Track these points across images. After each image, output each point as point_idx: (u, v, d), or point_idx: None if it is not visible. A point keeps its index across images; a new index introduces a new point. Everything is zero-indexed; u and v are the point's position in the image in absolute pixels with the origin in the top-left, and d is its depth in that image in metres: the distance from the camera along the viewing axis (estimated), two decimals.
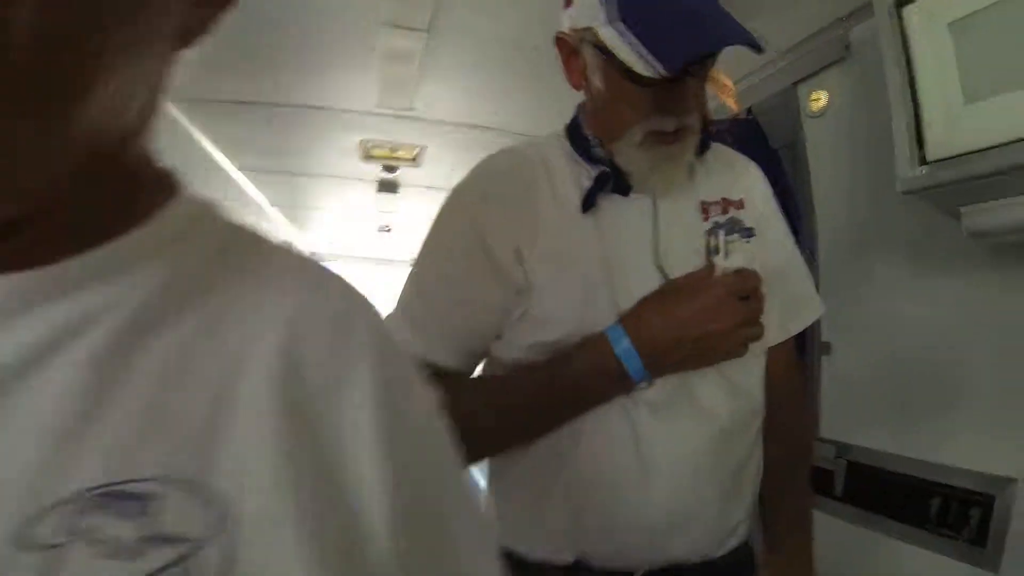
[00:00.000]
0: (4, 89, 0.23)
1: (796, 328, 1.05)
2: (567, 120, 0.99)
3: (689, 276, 0.86)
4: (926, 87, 1.22)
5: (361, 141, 3.16)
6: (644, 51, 0.73)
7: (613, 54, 0.77)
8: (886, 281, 1.63)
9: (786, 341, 1.04)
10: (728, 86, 1.94)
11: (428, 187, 3.53)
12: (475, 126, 2.84)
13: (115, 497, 0.26)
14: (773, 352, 1.01)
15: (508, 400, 0.90)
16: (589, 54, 0.85)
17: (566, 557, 0.87)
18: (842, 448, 1.70)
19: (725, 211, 0.94)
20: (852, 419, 1.71)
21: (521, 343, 0.90)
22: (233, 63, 2.25)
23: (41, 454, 0.26)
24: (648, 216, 0.91)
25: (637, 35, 0.74)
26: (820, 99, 1.78)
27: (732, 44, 0.75)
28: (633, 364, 0.81)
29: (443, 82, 2.46)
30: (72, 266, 0.29)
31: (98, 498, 0.26)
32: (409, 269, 0.97)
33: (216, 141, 3.25)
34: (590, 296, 0.88)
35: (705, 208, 0.94)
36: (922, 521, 1.47)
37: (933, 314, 1.52)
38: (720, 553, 0.90)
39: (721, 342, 0.83)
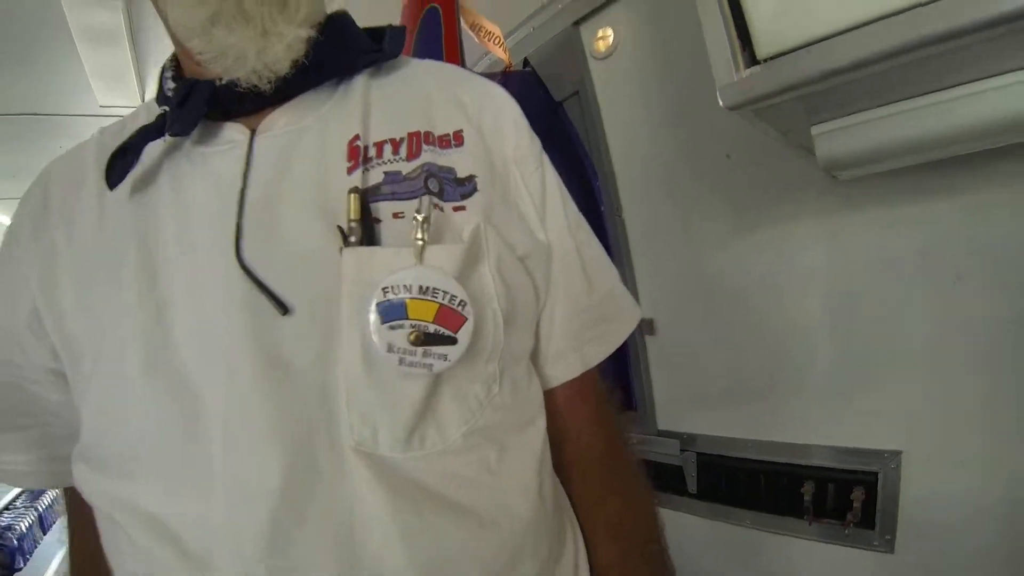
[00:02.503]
0: None
1: (600, 354, 0.67)
2: None
3: None
4: None
5: None
6: None
7: None
8: (708, 238, 1.39)
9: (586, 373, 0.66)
10: (495, 33, 1.64)
11: None
12: None
13: None
14: (563, 394, 0.65)
15: None
16: None
17: None
18: (686, 440, 1.46)
19: (412, 153, 0.55)
20: (691, 405, 1.47)
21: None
22: None
23: None
24: (236, 171, 0.53)
25: None
26: (606, 37, 1.53)
27: None
28: None
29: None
30: None
31: None
32: None
33: None
34: (125, 354, 0.50)
35: (357, 149, 0.54)
36: (797, 510, 1.28)
37: (770, 272, 1.30)
38: None
39: None
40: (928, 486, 1.13)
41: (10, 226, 0.60)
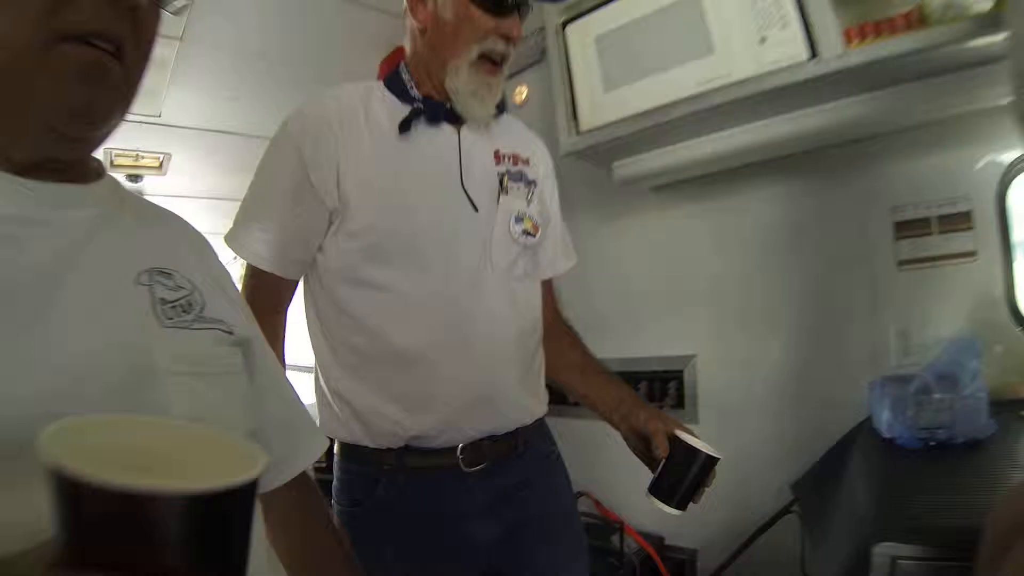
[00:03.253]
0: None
1: (563, 268, 1.35)
2: None
3: None
4: (579, 81, 1.75)
5: (104, 150, 2.91)
6: None
7: None
8: (585, 232, 2.07)
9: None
10: None
11: (174, 196, 3.43)
12: (219, 131, 2.89)
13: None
14: (545, 283, 1.28)
15: None
16: None
17: (399, 441, 1.06)
18: None
19: (516, 163, 1.18)
20: None
21: (337, 252, 1.07)
22: None
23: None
24: (454, 146, 1.11)
25: None
26: (523, 92, 2.25)
27: None
28: None
29: (191, 89, 2.50)
30: (97, 186, 0.60)
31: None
32: None
33: None
34: (399, 205, 1.05)
35: (498, 155, 1.16)
36: None
37: (609, 252, 2.07)
38: (526, 423, 1.16)
39: None
40: (714, 377, 1.85)
41: (317, 122, 1.05)
